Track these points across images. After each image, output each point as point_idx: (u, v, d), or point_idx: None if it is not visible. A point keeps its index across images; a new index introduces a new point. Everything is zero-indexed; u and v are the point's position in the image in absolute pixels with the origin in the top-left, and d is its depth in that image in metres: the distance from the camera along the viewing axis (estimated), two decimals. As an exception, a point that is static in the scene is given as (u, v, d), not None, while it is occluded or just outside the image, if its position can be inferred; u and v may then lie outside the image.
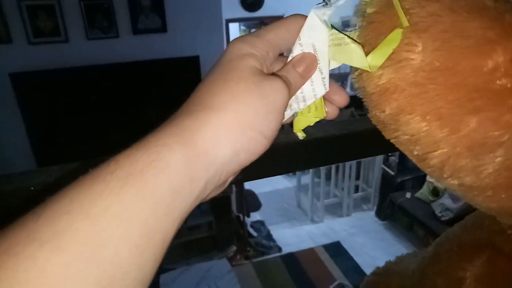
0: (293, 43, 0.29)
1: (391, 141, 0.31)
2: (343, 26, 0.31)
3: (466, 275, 0.48)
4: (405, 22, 0.26)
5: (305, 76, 0.29)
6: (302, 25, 0.29)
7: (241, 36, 0.27)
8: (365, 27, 0.29)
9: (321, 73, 0.30)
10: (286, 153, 0.35)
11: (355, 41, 0.29)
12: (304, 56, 0.29)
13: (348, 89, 3.60)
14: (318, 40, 0.29)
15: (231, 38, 4.62)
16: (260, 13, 4.28)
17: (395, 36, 0.26)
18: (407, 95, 0.27)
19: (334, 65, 0.30)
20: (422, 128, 0.27)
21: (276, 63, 0.30)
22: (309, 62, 0.29)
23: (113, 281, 0.18)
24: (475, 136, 0.25)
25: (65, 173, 0.31)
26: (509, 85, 0.24)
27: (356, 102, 0.34)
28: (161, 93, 2.87)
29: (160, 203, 0.20)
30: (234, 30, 5.57)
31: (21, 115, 2.61)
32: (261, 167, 0.31)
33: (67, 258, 0.17)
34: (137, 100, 2.89)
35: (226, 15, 3.47)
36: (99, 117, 2.83)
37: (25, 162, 2.74)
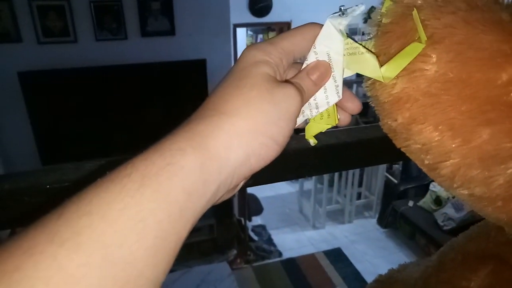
0: (308, 51, 0.30)
1: (402, 149, 0.31)
2: (350, 33, 0.32)
3: (470, 285, 0.48)
4: (423, 37, 0.26)
5: (319, 83, 0.30)
6: (317, 33, 0.29)
7: (256, 44, 0.28)
8: (380, 36, 0.30)
9: (335, 81, 0.30)
10: (296, 158, 0.36)
11: (370, 51, 0.29)
12: (318, 64, 0.30)
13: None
14: (333, 49, 0.29)
15: (238, 43, 4.62)
16: (267, 18, 4.30)
17: (413, 50, 0.27)
18: (420, 105, 0.27)
19: (348, 73, 0.31)
20: (434, 138, 0.27)
21: (290, 70, 0.30)
22: (323, 70, 0.30)
23: (129, 281, 0.18)
24: (487, 147, 0.25)
25: (83, 174, 0.32)
26: (522, 98, 0.25)
27: (361, 110, 0.35)
28: (167, 96, 2.88)
29: (174, 205, 0.20)
30: (242, 35, 5.59)
31: (27, 113, 2.63)
32: (272, 172, 0.31)
33: (86, 257, 0.18)
34: (143, 101, 2.90)
35: (234, 19, 3.49)
36: (105, 118, 2.85)
37: (30, 160, 2.76)
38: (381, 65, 0.28)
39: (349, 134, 0.37)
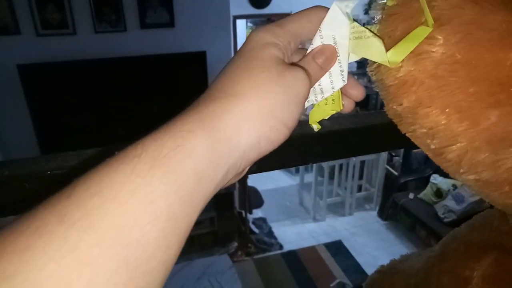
0: (314, 35, 0.29)
1: (407, 135, 0.30)
2: None
3: (473, 275, 0.48)
4: (430, 20, 0.26)
5: (324, 68, 0.29)
6: (324, 16, 0.29)
7: (263, 26, 0.27)
8: (385, 19, 0.29)
9: (340, 66, 0.30)
10: (300, 145, 0.35)
11: (376, 35, 0.29)
12: (324, 48, 0.29)
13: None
14: (338, 33, 0.29)
15: (238, 35, 4.61)
16: (267, 10, 4.27)
17: (419, 34, 0.26)
18: (427, 87, 0.27)
19: (354, 58, 0.30)
20: (440, 121, 0.27)
21: (295, 54, 0.30)
22: (329, 54, 0.29)
23: (140, 263, 0.18)
24: (495, 130, 0.25)
25: (82, 160, 0.31)
26: (532, 79, 0.24)
27: (361, 101, 0.34)
28: (167, 88, 2.87)
29: (185, 187, 0.20)
30: (241, 26, 5.56)
31: (27, 106, 2.62)
32: (275, 158, 0.31)
33: (97, 237, 0.17)
34: (143, 94, 2.89)
35: (233, 11, 3.47)
36: (104, 110, 2.84)
37: (30, 153, 2.76)
38: (387, 49, 0.28)
39: (353, 120, 0.37)
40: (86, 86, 2.77)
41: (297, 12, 0.29)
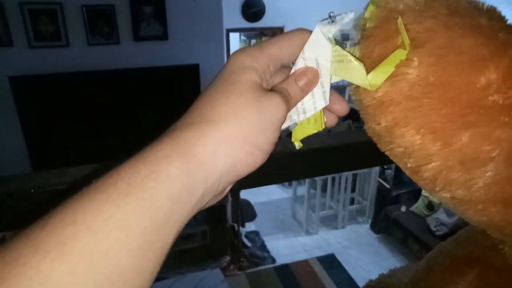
0: (295, 57, 0.30)
1: (386, 153, 0.31)
2: (342, 39, 0.32)
3: (458, 289, 0.48)
4: (407, 41, 0.26)
5: (306, 89, 0.30)
6: (305, 39, 0.30)
7: (244, 48, 0.28)
8: (364, 40, 0.30)
9: (323, 87, 0.30)
10: (282, 162, 0.36)
11: (358, 59, 0.30)
12: (306, 70, 0.30)
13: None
14: (321, 56, 0.30)
15: (231, 48, 4.64)
16: (260, 24, 4.32)
17: (397, 56, 0.27)
18: (402, 108, 0.27)
19: (336, 79, 0.31)
20: (416, 141, 0.27)
21: (278, 74, 0.30)
22: (311, 76, 0.30)
23: None
24: (467, 150, 0.26)
25: (67, 179, 0.31)
26: (501, 102, 0.25)
27: (353, 115, 0.35)
28: (160, 100, 2.88)
29: (159, 212, 0.20)
30: (235, 39, 5.61)
31: (18, 118, 2.60)
32: (258, 176, 0.31)
33: (70, 266, 0.18)
34: (135, 106, 2.89)
35: (227, 24, 3.50)
36: (97, 123, 2.83)
37: (21, 166, 2.73)
38: (367, 71, 0.29)
39: (334, 138, 0.37)
40: (79, 98, 2.76)
41: (279, 35, 0.29)
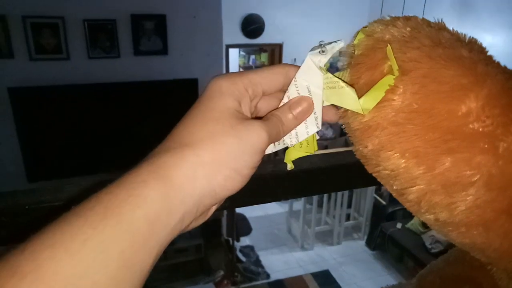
0: (278, 84, 0.31)
1: (373, 175, 0.32)
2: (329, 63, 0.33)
3: (448, 309, 0.49)
4: (395, 67, 0.28)
5: (300, 118, 0.31)
6: (287, 70, 0.31)
7: (224, 74, 0.29)
8: (351, 67, 0.31)
9: (315, 113, 0.32)
10: (273, 182, 0.37)
11: (349, 84, 0.30)
12: (301, 100, 0.31)
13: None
14: (312, 83, 0.31)
15: (231, 63, 4.68)
16: (259, 40, 4.38)
17: (386, 82, 0.28)
18: (388, 133, 0.28)
19: (326, 104, 0.32)
20: (401, 164, 0.28)
21: (271, 99, 0.32)
22: (306, 106, 0.31)
23: None
24: (449, 174, 0.27)
25: (61, 195, 0.32)
26: (480, 129, 0.26)
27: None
28: (158, 114, 2.89)
29: (137, 234, 0.21)
30: (234, 55, 5.67)
31: (16, 129, 2.61)
32: (249, 195, 0.32)
33: None
34: (134, 119, 2.90)
35: (226, 40, 3.55)
36: (95, 136, 2.84)
37: (16, 177, 2.71)
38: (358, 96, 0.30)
39: (322, 159, 0.39)
40: (77, 111, 2.77)
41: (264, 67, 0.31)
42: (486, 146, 0.26)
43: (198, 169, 0.24)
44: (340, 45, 0.31)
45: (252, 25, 4.26)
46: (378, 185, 0.34)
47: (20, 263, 0.18)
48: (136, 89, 2.83)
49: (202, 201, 0.24)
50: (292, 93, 0.31)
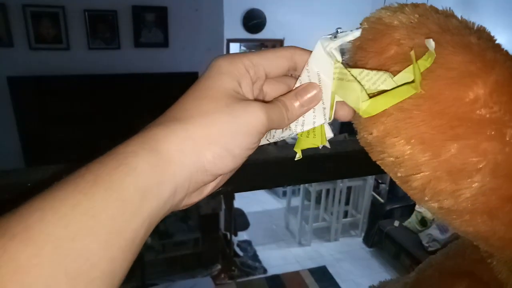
0: (283, 68, 0.30)
1: (378, 162, 0.32)
2: (341, 53, 0.32)
3: (446, 302, 0.49)
4: (418, 80, 0.26)
5: (306, 106, 0.30)
6: (293, 54, 0.30)
7: (225, 54, 0.29)
8: (359, 51, 0.31)
9: (323, 103, 0.30)
10: (276, 167, 0.36)
11: (358, 81, 0.28)
12: (309, 87, 0.30)
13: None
14: (323, 71, 0.29)
15: (231, 57, 4.71)
16: (261, 35, 4.37)
17: (403, 92, 0.27)
18: (394, 119, 0.28)
19: (338, 98, 0.30)
20: (406, 151, 0.28)
21: (280, 85, 0.31)
22: (313, 94, 0.30)
23: (81, 272, 0.19)
24: (455, 161, 0.27)
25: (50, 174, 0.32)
26: (487, 116, 0.26)
27: (349, 128, 0.35)
28: (157, 106, 2.86)
29: (128, 202, 0.21)
30: (235, 49, 5.65)
31: (15, 119, 2.60)
32: (251, 179, 0.32)
33: (36, 248, 0.18)
34: (133, 111, 2.89)
35: (227, 34, 3.54)
36: (94, 127, 2.83)
37: (14, 165, 2.71)
38: (369, 96, 0.28)
39: (326, 146, 0.38)
40: (77, 102, 2.76)
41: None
42: (493, 133, 0.26)
43: (186, 144, 0.24)
44: (354, 33, 0.30)
45: (253, 20, 4.25)
46: (382, 173, 0.34)
47: (10, 225, 0.19)
48: (136, 81, 2.82)
49: (193, 176, 0.24)
50: (303, 78, 0.30)
